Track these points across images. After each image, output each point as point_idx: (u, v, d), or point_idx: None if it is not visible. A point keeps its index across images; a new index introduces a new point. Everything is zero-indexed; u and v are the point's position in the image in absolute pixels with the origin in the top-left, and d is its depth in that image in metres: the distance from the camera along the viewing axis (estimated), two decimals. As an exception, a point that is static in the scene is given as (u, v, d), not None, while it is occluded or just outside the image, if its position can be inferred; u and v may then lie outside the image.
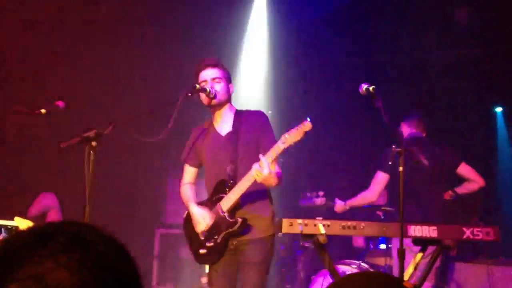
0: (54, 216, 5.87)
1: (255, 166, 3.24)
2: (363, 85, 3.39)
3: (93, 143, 3.10)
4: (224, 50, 6.47)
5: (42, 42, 5.77)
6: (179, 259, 6.04)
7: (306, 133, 3.23)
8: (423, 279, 3.39)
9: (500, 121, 7.27)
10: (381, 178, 4.66)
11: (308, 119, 3.27)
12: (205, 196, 3.67)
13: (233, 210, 3.44)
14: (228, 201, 3.42)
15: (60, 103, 3.98)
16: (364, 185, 4.92)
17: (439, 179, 4.73)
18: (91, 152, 3.08)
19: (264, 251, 3.47)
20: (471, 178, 4.74)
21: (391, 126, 3.33)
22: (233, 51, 6.96)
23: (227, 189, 3.45)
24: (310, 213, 5.19)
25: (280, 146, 3.26)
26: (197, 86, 3.52)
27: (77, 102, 5.36)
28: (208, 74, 3.58)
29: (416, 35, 6.72)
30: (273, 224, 3.53)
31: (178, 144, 5.89)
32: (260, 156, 3.25)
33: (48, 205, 5.96)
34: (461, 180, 4.84)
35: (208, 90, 3.50)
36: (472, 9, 6.50)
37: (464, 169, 4.76)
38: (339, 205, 5.00)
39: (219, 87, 3.57)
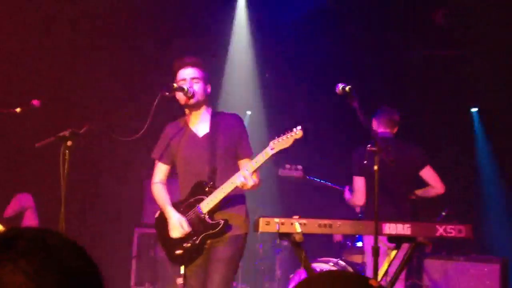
0: (30, 216, 5.81)
1: (239, 177, 3.31)
2: (339, 84, 3.41)
3: (69, 143, 3.09)
4: (205, 51, 6.47)
5: (15, 39, 5.69)
6: (157, 259, 6.02)
7: (296, 140, 3.30)
8: (397, 275, 3.44)
9: (476, 120, 7.38)
10: (359, 183, 4.66)
11: (299, 127, 3.32)
12: (176, 195, 3.65)
13: (212, 211, 3.46)
14: (209, 203, 3.44)
15: (36, 102, 3.95)
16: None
17: (406, 178, 4.69)
18: (67, 151, 3.07)
19: (235, 249, 3.50)
20: (432, 184, 4.68)
21: (367, 126, 3.37)
22: (216, 52, 6.95)
23: (206, 190, 3.46)
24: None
25: (268, 152, 3.32)
26: (175, 85, 3.52)
27: (53, 101, 5.31)
28: (187, 73, 3.56)
29: (394, 35, 6.79)
30: (247, 223, 3.58)
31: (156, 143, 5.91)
32: (244, 171, 3.32)
33: (24, 205, 5.90)
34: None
35: (186, 89, 3.49)
36: (448, 11, 6.60)
37: (427, 173, 4.66)
38: (347, 193, 5.04)
39: (197, 87, 3.56)
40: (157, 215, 3.71)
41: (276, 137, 3.34)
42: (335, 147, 6.94)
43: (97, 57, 6.21)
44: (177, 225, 3.47)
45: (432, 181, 4.67)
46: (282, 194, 6.76)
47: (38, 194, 5.65)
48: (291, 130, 3.32)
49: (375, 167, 3.29)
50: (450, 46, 6.87)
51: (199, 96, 3.57)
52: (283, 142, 3.30)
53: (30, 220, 5.83)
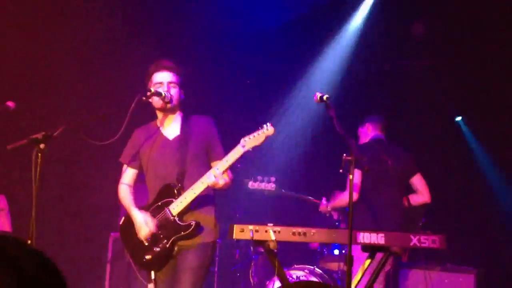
0: (3, 219, 5.71)
1: (210, 177, 3.28)
2: (317, 93, 3.43)
3: (41, 145, 3.04)
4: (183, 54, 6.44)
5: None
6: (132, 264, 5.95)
7: (267, 137, 3.29)
8: (370, 285, 3.45)
9: (464, 128, 7.40)
10: (356, 177, 4.57)
11: (269, 123, 3.30)
12: (143, 200, 3.61)
13: (182, 214, 3.42)
14: (178, 205, 3.40)
15: (10, 104, 3.91)
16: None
17: (400, 183, 4.79)
18: (39, 154, 3.03)
19: (204, 257, 3.46)
20: (421, 191, 4.79)
21: (343, 134, 3.38)
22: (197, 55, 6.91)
23: (175, 193, 3.42)
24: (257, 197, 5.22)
25: (239, 149, 3.30)
26: (152, 90, 3.48)
27: (27, 103, 5.24)
28: (165, 77, 3.53)
29: (376, 46, 6.85)
30: (216, 229, 3.56)
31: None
32: (215, 169, 3.29)
33: (-2, 207, 5.80)
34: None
35: (163, 94, 3.46)
36: (428, 22, 6.68)
37: (418, 180, 4.80)
38: (323, 206, 5.06)
39: (174, 91, 3.54)
40: (121, 221, 3.65)
41: (247, 135, 3.32)
42: (309, 158, 6.97)
43: (72, 58, 6.15)
44: (143, 224, 3.42)
45: (423, 188, 4.79)
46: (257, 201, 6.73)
47: (12, 196, 5.56)
48: (262, 127, 3.32)
49: (350, 177, 3.30)
50: (428, 56, 6.93)
51: (175, 101, 3.55)
52: (255, 139, 3.29)
53: (3, 222, 5.73)
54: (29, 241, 2.87)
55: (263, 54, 6.92)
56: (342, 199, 4.83)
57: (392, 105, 6.93)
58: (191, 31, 6.62)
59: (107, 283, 6.06)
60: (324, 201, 5.08)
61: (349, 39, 6.95)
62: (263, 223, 3.31)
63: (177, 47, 6.51)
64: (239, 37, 6.79)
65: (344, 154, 3.37)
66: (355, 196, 4.65)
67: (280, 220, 3.72)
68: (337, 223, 5.85)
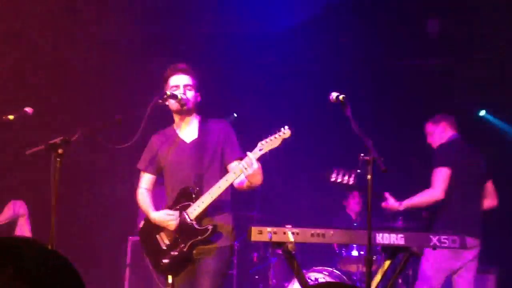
0: (23, 224, 5.78)
1: (241, 163, 3.29)
2: (333, 93, 3.41)
3: (60, 150, 3.06)
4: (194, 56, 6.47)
5: (7, 46, 5.69)
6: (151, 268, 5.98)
7: (284, 140, 3.31)
8: (391, 285, 3.41)
9: (491, 119, 7.27)
10: (444, 174, 4.52)
11: (287, 127, 3.33)
12: (161, 205, 3.61)
13: (199, 218, 3.43)
14: (196, 209, 3.40)
15: (29, 110, 3.94)
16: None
17: (481, 185, 4.75)
18: (58, 159, 3.04)
19: (222, 261, 3.46)
20: (492, 195, 4.78)
21: (360, 134, 3.35)
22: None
23: (193, 196, 3.43)
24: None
25: (256, 152, 3.31)
26: (168, 92, 3.50)
27: (46, 108, 5.29)
28: (181, 80, 3.55)
29: (388, 44, 6.79)
30: (233, 233, 3.56)
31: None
32: (248, 153, 3.31)
33: (18, 213, 5.86)
34: None
35: (179, 97, 3.48)
36: (443, 20, 6.60)
37: (491, 184, 4.80)
38: (392, 204, 4.60)
39: (190, 94, 3.55)
40: (141, 225, 3.67)
41: (264, 138, 3.34)
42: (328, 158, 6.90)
43: (89, 63, 6.20)
44: (166, 218, 3.43)
45: (494, 193, 4.76)
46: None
47: (32, 201, 5.62)
48: (279, 130, 3.34)
49: (368, 177, 3.26)
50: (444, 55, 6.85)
51: (191, 104, 3.57)
52: (271, 142, 3.32)
53: (23, 227, 5.80)
54: (49, 246, 2.89)
55: (285, 54, 6.89)
56: (430, 195, 4.56)
57: (408, 103, 6.86)
58: (206, 33, 6.64)
59: (126, 287, 6.09)
60: (388, 196, 4.63)
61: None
62: (281, 225, 3.30)
63: (194, 50, 6.53)
64: (256, 37, 6.78)
65: (361, 154, 3.34)
66: (442, 195, 4.51)
67: (292, 221, 3.71)
68: (355, 224, 5.82)
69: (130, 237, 6.21)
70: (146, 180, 3.70)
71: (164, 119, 3.74)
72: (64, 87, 6.10)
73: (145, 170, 3.69)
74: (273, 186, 5.62)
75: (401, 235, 3.32)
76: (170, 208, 3.51)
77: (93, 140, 3.43)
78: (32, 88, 5.76)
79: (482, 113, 7.27)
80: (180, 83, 3.54)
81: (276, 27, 6.67)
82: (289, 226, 3.32)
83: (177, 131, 3.65)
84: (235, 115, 5.56)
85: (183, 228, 3.42)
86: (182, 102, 3.50)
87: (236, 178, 3.38)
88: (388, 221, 5.32)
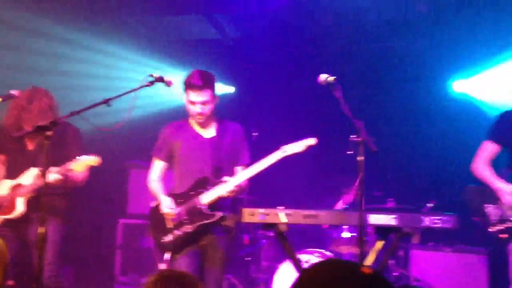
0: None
1: (231, 185, 3.55)
2: (322, 75, 3.39)
3: (49, 132, 3.01)
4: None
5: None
6: (142, 250, 5.99)
7: (308, 146, 3.52)
8: (383, 265, 3.43)
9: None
10: (489, 148, 4.03)
11: (314, 138, 3.55)
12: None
13: (211, 205, 3.62)
14: (209, 196, 3.60)
15: (15, 92, 3.89)
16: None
17: None
18: (46, 141, 3.00)
19: (229, 248, 3.75)
20: None
21: (350, 116, 3.33)
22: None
23: (209, 185, 3.63)
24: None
25: (279, 154, 3.53)
26: (155, 75, 3.47)
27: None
28: (198, 99, 3.68)
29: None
30: (236, 216, 3.73)
31: (140, 134, 5.84)
32: (233, 180, 3.56)
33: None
34: None
35: (195, 113, 3.71)
36: None
37: None
38: None
39: (207, 109, 3.73)
40: (153, 204, 3.83)
41: (289, 144, 3.56)
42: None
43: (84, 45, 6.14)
44: (166, 206, 3.65)
45: None
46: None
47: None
48: (305, 138, 3.55)
49: (360, 158, 3.25)
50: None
51: (207, 115, 3.77)
52: (295, 146, 3.53)
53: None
54: (43, 228, 2.88)
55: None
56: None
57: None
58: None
59: (117, 268, 6.10)
60: None
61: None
62: (273, 206, 3.31)
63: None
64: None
65: (352, 136, 3.32)
66: (476, 164, 4.05)
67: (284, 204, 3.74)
68: (346, 206, 5.82)
69: (120, 220, 6.21)
70: (158, 167, 3.88)
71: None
72: (55, 69, 6.03)
73: (158, 157, 3.87)
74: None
75: (393, 216, 3.32)
76: (184, 193, 3.69)
77: (81, 122, 3.38)
78: (20, 69, 5.68)
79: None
80: (196, 100, 3.68)
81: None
82: (281, 207, 3.34)
83: (194, 127, 3.84)
84: (255, 134, 5.62)
85: (193, 211, 3.61)
86: (199, 118, 3.73)
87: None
88: (380, 203, 5.34)
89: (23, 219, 3.81)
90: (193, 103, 3.69)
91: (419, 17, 6.22)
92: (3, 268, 2.10)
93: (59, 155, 3.73)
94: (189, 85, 3.70)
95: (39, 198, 3.65)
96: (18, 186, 3.84)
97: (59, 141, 3.73)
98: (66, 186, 3.89)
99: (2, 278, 2.09)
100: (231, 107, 6.18)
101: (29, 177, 3.86)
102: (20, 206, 3.78)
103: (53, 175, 3.67)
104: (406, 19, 6.28)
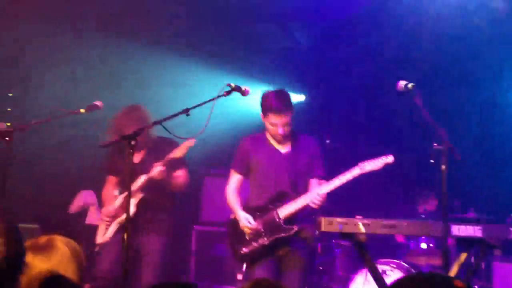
0: (93, 213, 5.98)
1: (314, 199, 3.61)
2: (401, 81, 3.34)
3: (132, 142, 3.11)
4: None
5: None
6: (216, 256, 6.07)
7: (386, 164, 3.57)
8: (467, 278, 3.30)
9: None
10: None
11: (390, 155, 3.58)
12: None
13: (288, 219, 3.70)
14: (287, 210, 3.70)
15: (99, 103, 4.05)
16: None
17: None
18: (131, 150, 3.09)
19: (308, 258, 3.83)
20: None
21: (432, 123, 3.24)
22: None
23: (287, 199, 3.72)
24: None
25: (356, 171, 3.59)
26: (232, 85, 3.51)
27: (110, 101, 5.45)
28: (280, 122, 3.77)
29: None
30: (314, 237, 3.96)
31: (215, 144, 5.94)
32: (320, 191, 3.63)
33: (88, 202, 6.07)
34: None
35: (275, 134, 3.82)
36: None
37: None
38: None
39: (287, 129, 3.82)
40: (232, 216, 3.95)
41: (366, 161, 3.59)
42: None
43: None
44: (245, 222, 3.75)
45: None
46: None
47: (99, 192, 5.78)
48: (384, 156, 3.59)
49: (443, 167, 3.15)
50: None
51: (286, 134, 3.85)
52: (373, 164, 3.57)
53: (93, 216, 5.99)
54: (125, 234, 2.97)
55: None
56: None
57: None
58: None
59: (192, 274, 6.20)
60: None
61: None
62: (351, 216, 3.28)
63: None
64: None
65: (434, 144, 3.23)
66: None
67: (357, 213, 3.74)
68: (423, 215, 5.65)
69: (195, 227, 6.32)
70: (235, 179, 4.01)
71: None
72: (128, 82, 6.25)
73: (236, 170, 4.00)
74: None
75: (479, 227, 3.19)
76: (263, 207, 3.79)
77: (162, 131, 3.48)
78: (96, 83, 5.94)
79: None
80: (277, 122, 3.77)
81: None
82: (360, 217, 3.29)
83: (271, 142, 3.94)
84: (327, 141, 5.67)
85: (270, 224, 3.72)
86: (278, 138, 3.85)
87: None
88: (458, 212, 5.14)
89: (133, 224, 3.72)
90: (275, 124, 3.77)
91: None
92: (79, 268, 2.20)
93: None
94: (270, 109, 3.77)
95: (148, 200, 4.09)
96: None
97: (162, 155, 4.04)
98: (170, 184, 4.19)
99: (78, 278, 2.18)
100: (303, 115, 6.16)
101: (138, 184, 4.09)
102: (131, 208, 3.89)
103: (157, 168, 3.96)
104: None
